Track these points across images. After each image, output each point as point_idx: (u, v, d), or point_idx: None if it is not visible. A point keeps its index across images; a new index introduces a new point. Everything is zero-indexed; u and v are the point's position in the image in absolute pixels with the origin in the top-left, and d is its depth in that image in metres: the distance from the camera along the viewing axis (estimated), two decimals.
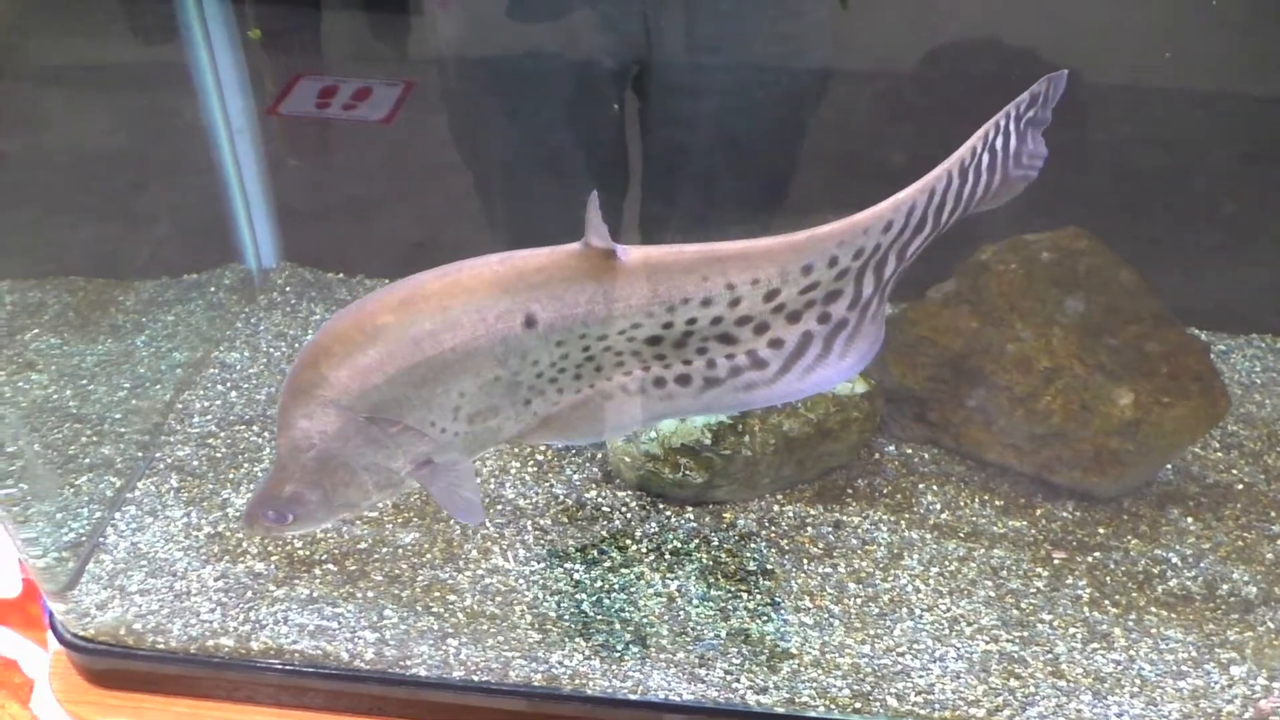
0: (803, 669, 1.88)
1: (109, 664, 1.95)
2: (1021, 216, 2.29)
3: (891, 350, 2.27)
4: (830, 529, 2.15)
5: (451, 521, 2.11)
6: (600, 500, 2.18)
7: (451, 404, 1.26)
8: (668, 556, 2.07)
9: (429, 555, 2.05)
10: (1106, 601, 2.02)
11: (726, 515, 2.16)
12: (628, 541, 2.10)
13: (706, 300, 1.24)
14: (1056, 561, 2.10)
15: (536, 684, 1.85)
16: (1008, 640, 1.94)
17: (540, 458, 2.27)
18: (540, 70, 2.15)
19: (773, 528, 2.14)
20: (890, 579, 2.05)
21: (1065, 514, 2.20)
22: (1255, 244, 2.52)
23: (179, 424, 2.35)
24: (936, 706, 1.83)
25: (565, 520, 2.14)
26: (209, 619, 1.95)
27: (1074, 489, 2.20)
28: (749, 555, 2.08)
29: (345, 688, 1.89)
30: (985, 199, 1.32)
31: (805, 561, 2.08)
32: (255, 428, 2.34)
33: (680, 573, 2.04)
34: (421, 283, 1.23)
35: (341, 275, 2.83)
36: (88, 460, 2.22)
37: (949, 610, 2.00)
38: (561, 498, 2.18)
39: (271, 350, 2.56)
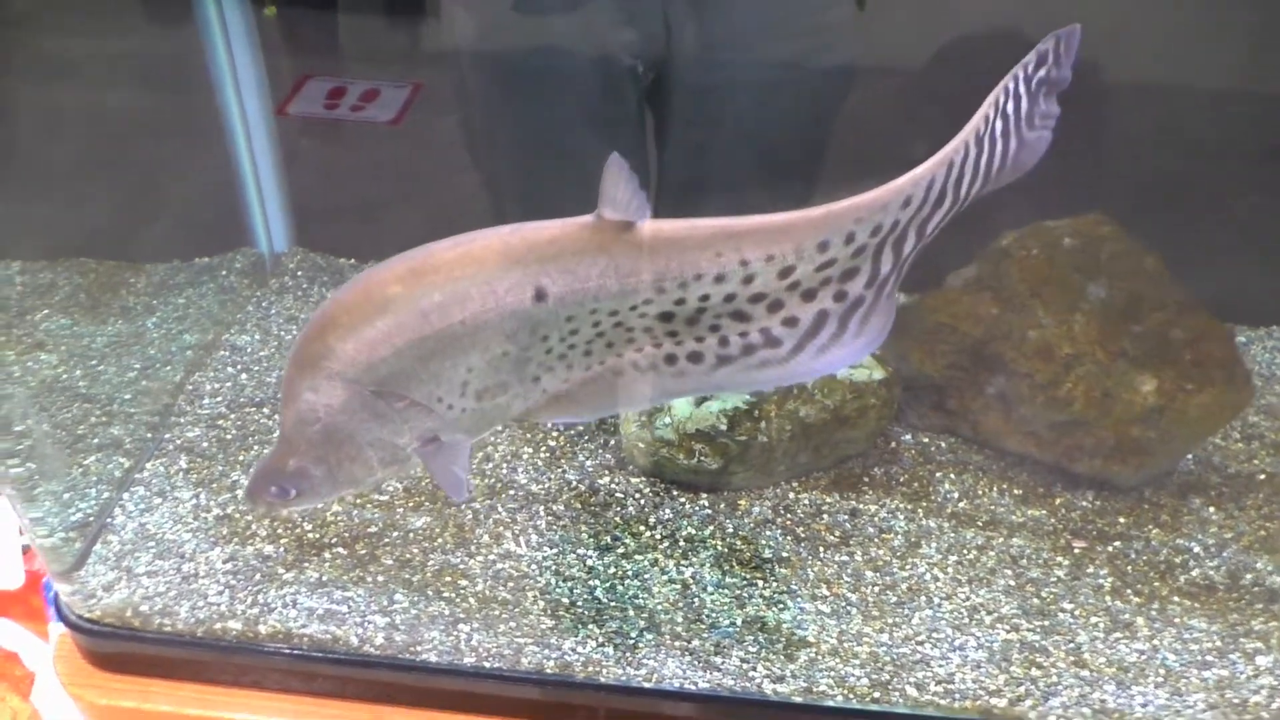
0: (820, 658, 1.80)
1: (115, 647, 1.89)
2: (1041, 209, 2.22)
3: (910, 337, 2.19)
4: (847, 517, 2.07)
5: (464, 506, 2.04)
6: (613, 486, 2.11)
7: (459, 379, 1.21)
8: (681, 543, 2.00)
9: (440, 539, 1.98)
10: (1129, 591, 1.95)
11: (741, 502, 2.09)
12: (641, 528, 2.02)
13: (720, 277, 1.18)
14: (1077, 551, 2.03)
15: (549, 671, 1.78)
16: (1029, 629, 1.87)
17: (552, 443, 2.20)
18: (555, 68, 2.09)
19: (788, 515, 2.07)
20: (908, 567, 1.98)
21: (1085, 503, 2.13)
22: (1275, 236, 2.45)
23: (189, 405, 2.28)
24: (957, 696, 1.75)
25: (578, 506, 2.06)
26: (217, 601, 1.88)
27: (1094, 478, 2.12)
28: (764, 543, 2.01)
29: (354, 673, 1.82)
30: (1004, 169, 1.25)
31: (821, 549, 2.00)
32: (266, 410, 2.27)
33: (694, 560, 1.97)
34: (432, 252, 1.18)
35: (353, 261, 2.76)
36: (96, 440, 2.16)
37: (968, 599, 1.92)
38: (574, 483, 2.11)
39: (282, 334, 2.49)
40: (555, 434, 2.22)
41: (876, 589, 1.93)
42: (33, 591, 2.20)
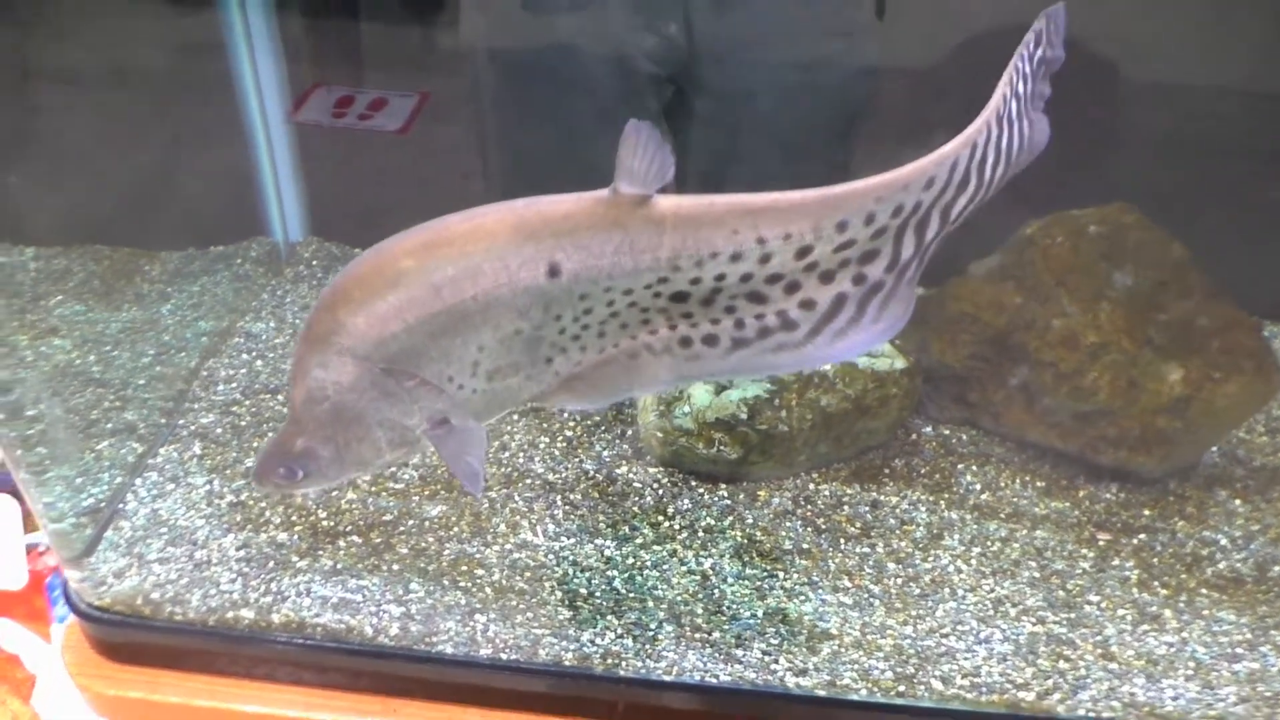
0: (843, 650, 1.73)
1: (124, 636, 1.81)
2: (1063, 201, 2.16)
3: (931, 327, 2.12)
4: (868, 508, 2.00)
5: (480, 495, 1.97)
6: (631, 476, 2.03)
7: (470, 358, 1.15)
8: (701, 534, 1.92)
9: (456, 528, 1.91)
10: (1155, 583, 1.87)
11: (761, 493, 2.01)
12: (660, 518, 1.95)
13: (736, 255, 1.12)
14: (1101, 543, 1.95)
15: (567, 663, 1.70)
16: (1055, 622, 1.79)
17: (569, 433, 2.13)
18: (572, 72, 2.03)
19: (808, 506, 1.99)
20: (931, 559, 1.90)
21: (1109, 495, 2.05)
22: None
23: (203, 391, 2.21)
24: (984, 690, 1.68)
25: (595, 496, 1.99)
26: (229, 589, 1.81)
27: (1118, 470, 2.04)
28: (784, 534, 1.93)
29: (367, 665, 1.74)
30: (1022, 150, 1.20)
31: (843, 541, 1.93)
32: (280, 397, 2.20)
33: (714, 550, 1.89)
34: (445, 225, 1.13)
35: None
36: (110, 425, 2.09)
37: (993, 591, 1.85)
38: (591, 473, 2.04)
39: (297, 322, 2.42)
40: (572, 423, 2.14)
41: (899, 581, 1.86)
42: (35, 592, 2.13)
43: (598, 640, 1.73)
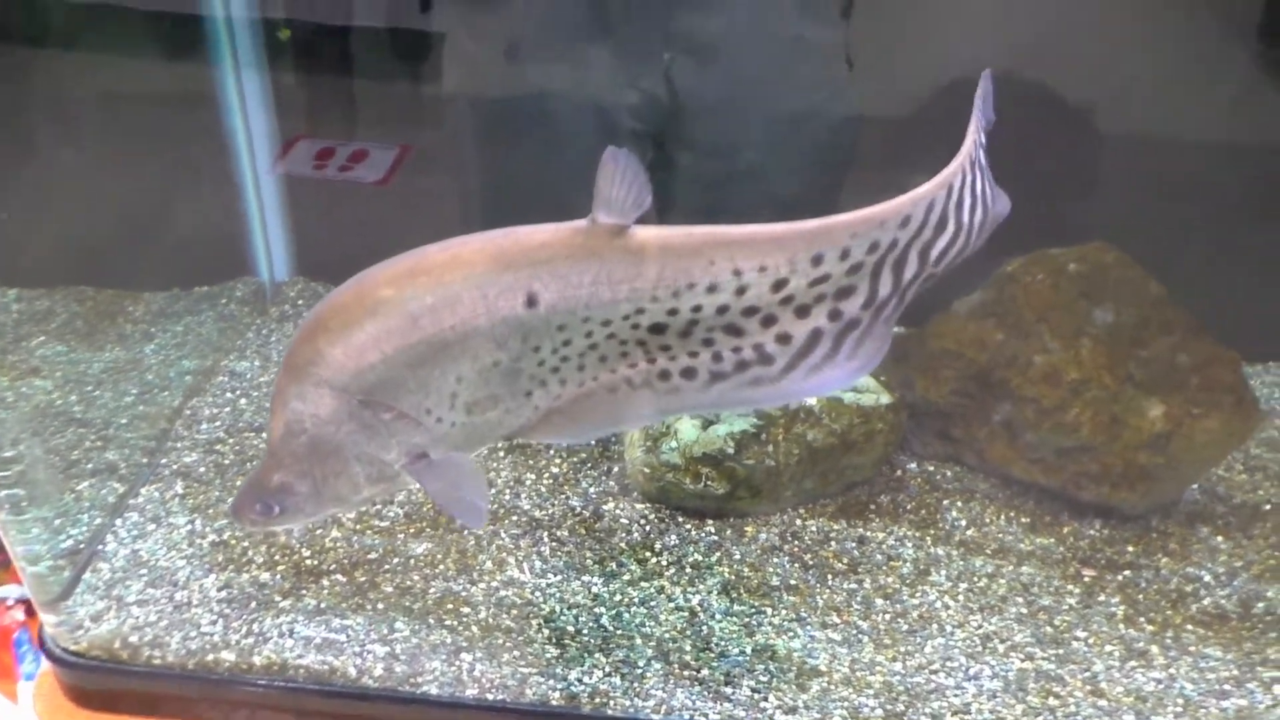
0: (833, 687, 1.70)
1: (100, 682, 1.76)
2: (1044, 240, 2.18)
3: (915, 364, 2.12)
4: (854, 544, 1.98)
5: (465, 532, 1.93)
6: (618, 512, 2.01)
7: (449, 390, 1.13)
8: (688, 570, 1.89)
9: (442, 566, 1.87)
10: (1141, 619, 1.85)
11: (748, 529, 1.99)
12: (647, 554, 1.92)
13: (712, 286, 1.11)
14: (1087, 579, 1.94)
15: (555, 702, 1.66)
16: (1043, 658, 1.77)
17: (555, 470, 2.10)
18: (553, 127, 2.04)
19: (795, 542, 1.97)
20: (918, 595, 1.88)
21: (1093, 532, 2.04)
22: (1271, 274, 2.40)
23: (186, 430, 2.17)
24: None
25: (582, 532, 1.96)
26: (210, 631, 1.76)
27: (1100, 506, 2.04)
28: (772, 570, 1.91)
29: (351, 707, 1.69)
30: (990, 196, 1.21)
31: (830, 577, 1.90)
32: (265, 435, 2.16)
33: (701, 587, 1.86)
34: (424, 255, 1.11)
35: None
36: (90, 465, 2.04)
37: (980, 627, 1.82)
38: (578, 509, 2.01)
39: (282, 360, 2.39)
40: (558, 460, 2.12)
41: (887, 617, 1.83)
42: (2, 649, 2.05)
43: (585, 679, 1.69)
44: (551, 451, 2.13)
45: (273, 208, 2.60)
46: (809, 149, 2.09)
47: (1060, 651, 1.78)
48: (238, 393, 2.29)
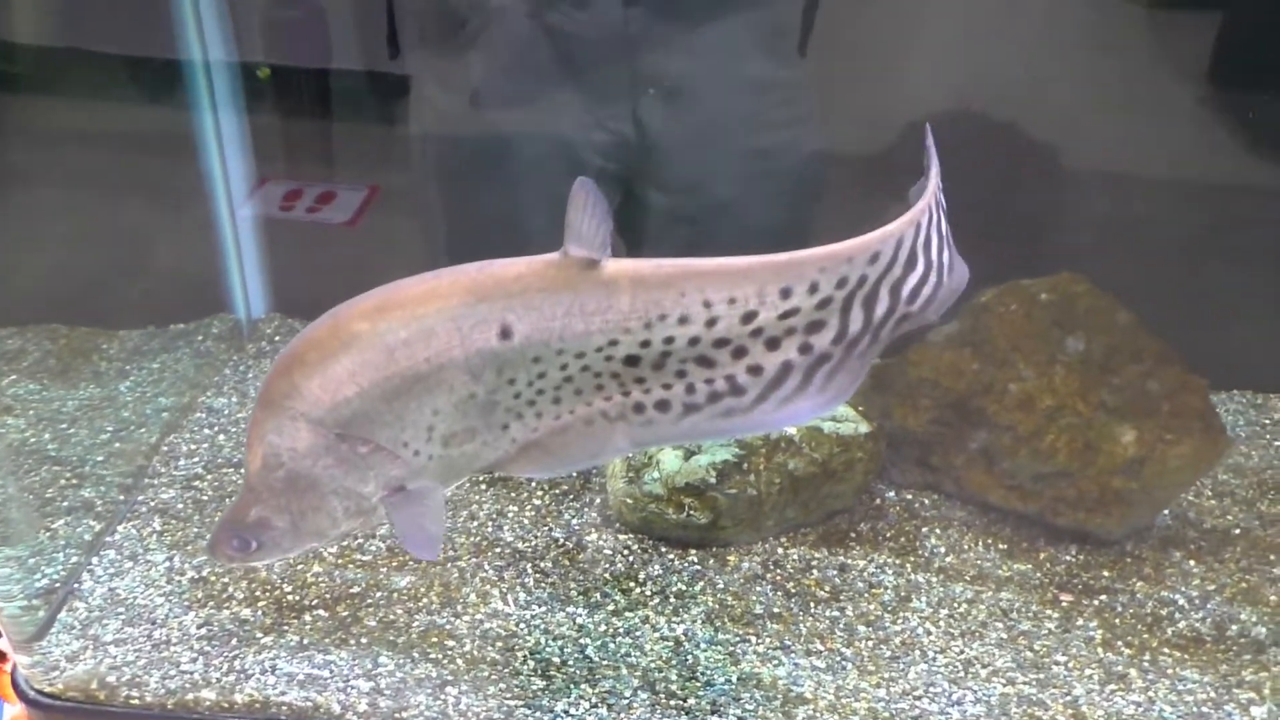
0: (818, 714, 1.70)
1: None
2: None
3: (894, 393, 2.14)
4: (836, 572, 1.99)
5: (449, 565, 1.93)
6: (601, 543, 2.01)
7: (425, 422, 1.14)
8: (672, 600, 1.90)
9: (425, 600, 1.86)
10: (1119, 643, 1.88)
11: (730, 558, 2.00)
12: (631, 584, 1.92)
13: (683, 318, 1.13)
14: (1064, 604, 1.96)
15: None
16: (1024, 682, 1.79)
17: (537, 502, 2.10)
18: (521, 169, 2.06)
19: (778, 570, 1.98)
20: (900, 621, 1.89)
21: (1069, 557, 2.06)
22: (1231, 305, 2.46)
23: (164, 467, 2.16)
24: None
25: (566, 563, 1.96)
26: (190, 669, 1.74)
27: (1076, 531, 2.07)
28: (755, 598, 1.92)
29: None
30: (951, 259, 1.24)
31: (813, 605, 1.92)
32: (243, 470, 2.15)
33: (686, 616, 1.87)
34: (399, 288, 1.12)
35: None
36: (66, 503, 2.02)
37: (962, 652, 1.84)
38: (561, 541, 2.01)
39: (258, 395, 2.38)
40: (540, 492, 2.12)
41: (870, 643, 1.84)
42: None
43: (572, 710, 1.68)
44: (533, 484, 2.14)
45: (249, 245, 2.60)
46: (776, 186, 2.13)
47: (1041, 676, 1.80)
48: (215, 429, 2.27)
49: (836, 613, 1.90)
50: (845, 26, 2.18)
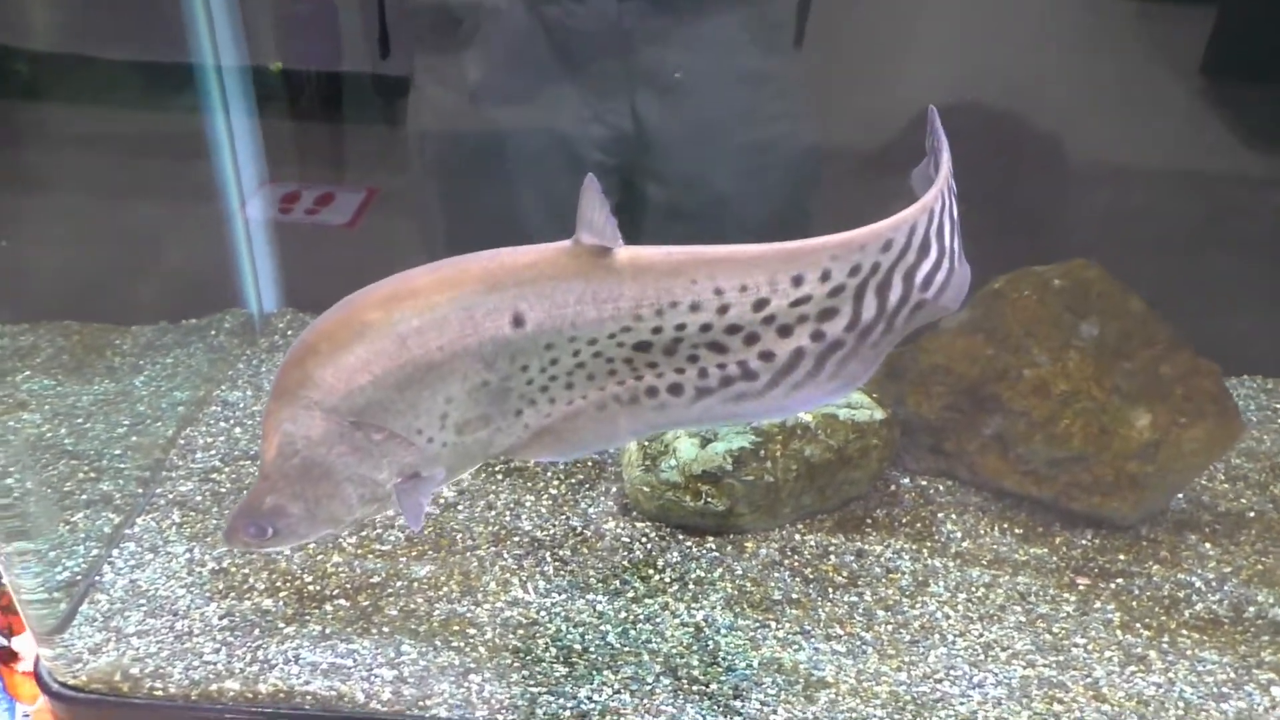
0: (840, 698, 1.71)
1: (100, 716, 1.73)
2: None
3: (907, 380, 2.15)
4: (853, 558, 2.00)
5: (468, 554, 1.93)
6: (619, 531, 2.01)
7: (439, 410, 1.15)
8: (691, 586, 1.90)
9: (445, 588, 1.87)
10: (1137, 625, 1.88)
11: (748, 545, 2.00)
12: (650, 571, 1.93)
13: (695, 305, 1.14)
14: (1081, 587, 1.97)
15: None
16: (1044, 665, 1.79)
17: (554, 491, 2.11)
18: (521, 165, 2.06)
19: (795, 557, 1.99)
20: (918, 606, 1.90)
21: (1085, 542, 2.07)
22: (1241, 290, 2.47)
23: (181, 460, 2.16)
24: None
25: (585, 551, 1.96)
26: (213, 660, 1.75)
27: (1092, 515, 2.07)
28: (773, 584, 1.92)
29: None
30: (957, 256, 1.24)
31: (831, 590, 1.92)
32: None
33: (705, 602, 1.87)
34: (411, 277, 1.13)
35: None
36: (84, 497, 2.02)
37: (981, 636, 1.84)
38: (579, 529, 2.01)
39: (273, 383, 2.38)
40: (556, 481, 2.12)
41: (889, 627, 1.85)
42: None
43: (595, 696, 1.69)
44: (549, 473, 2.14)
45: (260, 240, 2.60)
46: (773, 178, 2.13)
47: (1060, 658, 1.81)
48: (231, 422, 2.28)
49: (855, 598, 1.91)
50: (840, 19, 2.19)
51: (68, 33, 2.44)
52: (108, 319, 2.59)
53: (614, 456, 2.17)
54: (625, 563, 1.94)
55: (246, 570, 1.89)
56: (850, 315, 1.17)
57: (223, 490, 2.08)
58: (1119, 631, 1.87)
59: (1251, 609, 1.94)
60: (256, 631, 1.78)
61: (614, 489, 2.11)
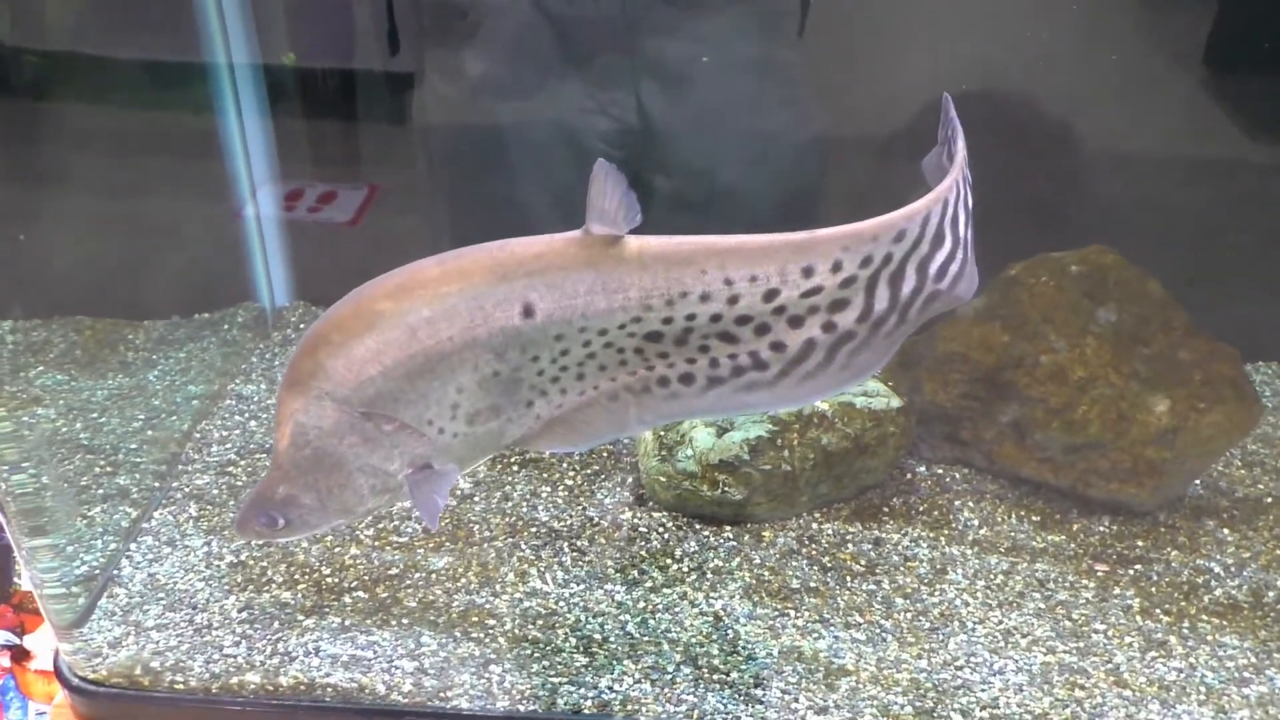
0: (861, 686, 1.71)
1: (120, 710, 1.73)
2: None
3: (924, 368, 2.14)
4: (871, 546, 1.99)
5: (486, 545, 1.93)
6: (636, 521, 2.01)
7: (450, 401, 1.15)
8: (709, 575, 1.90)
9: (464, 580, 1.87)
10: (1157, 610, 1.88)
11: (765, 534, 2.00)
12: (668, 561, 1.92)
13: (705, 296, 1.13)
14: (1100, 574, 1.96)
15: (587, 711, 1.66)
16: (1065, 651, 1.79)
17: (570, 482, 2.10)
18: (525, 157, 2.05)
19: (813, 545, 1.98)
20: (937, 594, 1.89)
21: (1102, 528, 2.07)
22: (1258, 276, 2.46)
23: (197, 454, 2.16)
24: None
25: (602, 542, 1.96)
26: (233, 653, 1.75)
27: (1109, 502, 2.07)
28: (791, 573, 1.92)
29: None
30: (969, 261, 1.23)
31: (849, 578, 1.92)
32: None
33: (724, 591, 1.87)
34: (421, 268, 1.13)
35: None
36: (101, 491, 2.02)
37: (1001, 623, 1.84)
38: (596, 519, 2.01)
39: (284, 374, 2.38)
40: (572, 472, 2.12)
41: (909, 615, 1.84)
42: None
43: (616, 686, 1.69)
44: (565, 464, 2.14)
45: (272, 234, 2.60)
46: (778, 168, 2.12)
47: (1081, 644, 1.80)
48: (246, 415, 2.28)
49: (873, 586, 1.90)
50: (843, 7, 2.18)
51: (87, 35, 2.45)
52: (120, 314, 2.59)
53: (630, 446, 2.17)
54: (643, 553, 1.94)
55: (265, 563, 1.89)
56: (862, 307, 1.16)
57: (239, 483, 2.07)
58: (1139, 617, 1.87)
59: (1271, 594, 1.93)
60: (276, 624, 1.78)
61: (630, 479, 2.11)
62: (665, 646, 1.76)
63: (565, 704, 1.66)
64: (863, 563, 1.96)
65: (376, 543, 1.93)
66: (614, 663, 1.72)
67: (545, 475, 2.11)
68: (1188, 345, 2.03)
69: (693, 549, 1.95)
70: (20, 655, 2.06)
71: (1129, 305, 2.04)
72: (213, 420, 2.26)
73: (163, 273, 2.64)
